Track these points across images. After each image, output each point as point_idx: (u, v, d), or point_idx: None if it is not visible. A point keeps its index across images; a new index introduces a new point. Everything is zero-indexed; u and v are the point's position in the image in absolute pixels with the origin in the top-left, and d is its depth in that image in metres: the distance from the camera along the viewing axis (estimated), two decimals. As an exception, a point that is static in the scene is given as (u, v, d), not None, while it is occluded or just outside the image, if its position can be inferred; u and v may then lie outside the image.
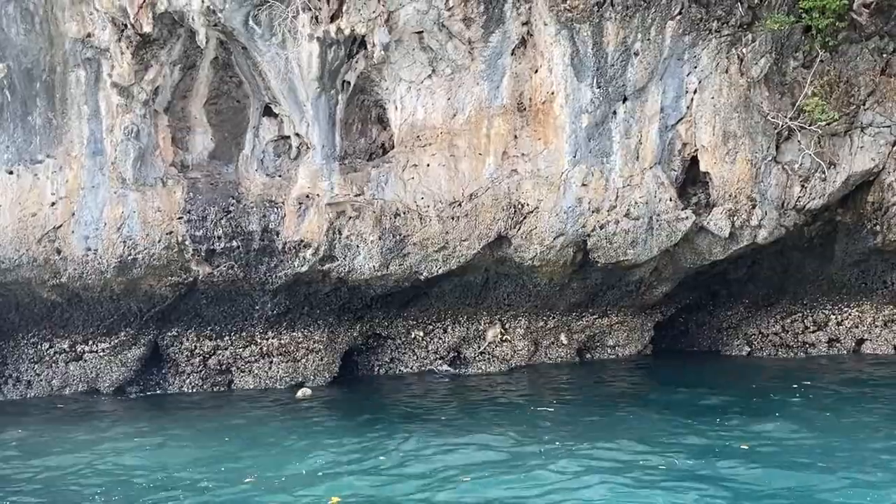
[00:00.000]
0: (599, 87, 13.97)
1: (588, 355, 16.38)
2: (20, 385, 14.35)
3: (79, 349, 14.57)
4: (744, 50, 14.19)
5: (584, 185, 14.19)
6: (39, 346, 14.62)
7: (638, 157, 14.36)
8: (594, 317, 16.10)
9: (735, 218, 14.57)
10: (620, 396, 13.38)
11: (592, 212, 14.30)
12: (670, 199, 14.49)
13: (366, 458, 10.11)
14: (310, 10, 13.16)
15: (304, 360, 14.98)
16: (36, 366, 14.53)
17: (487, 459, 9.83)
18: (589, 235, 14.40)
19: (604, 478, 8.95)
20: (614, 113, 14.20)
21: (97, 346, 14.59)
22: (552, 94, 14.04)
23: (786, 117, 14.33)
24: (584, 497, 8.50)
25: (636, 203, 14.36)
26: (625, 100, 14.18)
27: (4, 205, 13.57)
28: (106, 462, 10.39)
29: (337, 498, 8.55)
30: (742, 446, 10.08)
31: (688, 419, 11.42)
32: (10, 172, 13.59)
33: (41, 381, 14.37)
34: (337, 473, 9.50)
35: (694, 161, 14.67)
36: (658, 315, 16.79)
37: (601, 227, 14.36)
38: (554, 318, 15.90)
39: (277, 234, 14.10)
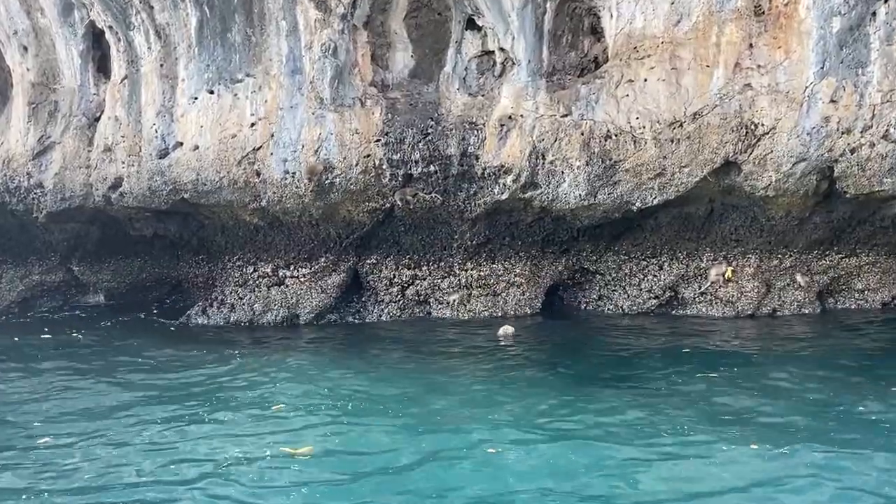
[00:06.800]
0: (856, -16, 11.71)
1: (831, 300, 14.14)
2: (224, 308, 14.40)
3: (280, 274, 14.45)
4: None
5: (832, 101, 12.05)
6: (244, 270, 14.72)
7: (902, 68, 11.96)
8: (840, 256, 13.82)
9: None
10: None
11: (842, 133, 12.13)
12: (942, 119, 12.00)
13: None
14: None
15: (504, 294, 14.03)
16: (240, 289, 14.55)
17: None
18: (836, 161, 12.26)
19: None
20: (873, 15, 11.89)
21: (298, 271, 14.40)
22: (797, -7, 11.94)
23: None
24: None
25: (897, 123, 12.01)
26: (887, -2, 11.80)
27: (206, 125, 13.53)
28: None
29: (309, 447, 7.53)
30: None
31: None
32: (211, 92, 13.50)
33: (244, 305, 14.33)
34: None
35: (975, 72, 12.05)
36: (920, 256, 14.20)
37: (852, 152, 12.17)
38: (790, 256, 13.80)
39: (477, 158, 13.12)
